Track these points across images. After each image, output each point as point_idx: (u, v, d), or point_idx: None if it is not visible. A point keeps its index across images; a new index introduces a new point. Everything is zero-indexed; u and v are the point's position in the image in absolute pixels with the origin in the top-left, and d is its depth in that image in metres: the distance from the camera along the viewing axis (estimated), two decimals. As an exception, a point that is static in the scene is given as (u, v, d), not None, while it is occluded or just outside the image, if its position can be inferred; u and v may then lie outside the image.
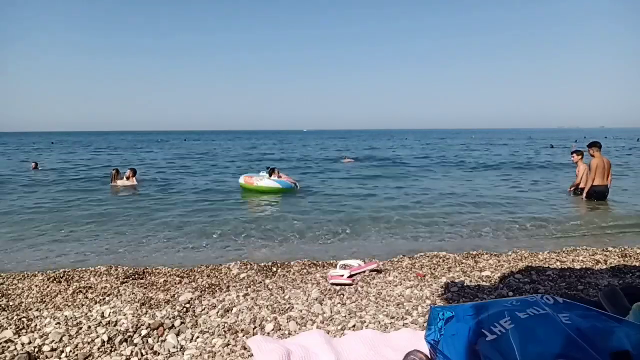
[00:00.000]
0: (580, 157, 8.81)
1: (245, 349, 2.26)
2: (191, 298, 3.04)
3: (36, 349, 2.24)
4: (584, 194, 8.10)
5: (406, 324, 2.58)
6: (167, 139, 63.31)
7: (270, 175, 10.17)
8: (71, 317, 2.64)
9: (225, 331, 2.48)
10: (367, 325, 2.56)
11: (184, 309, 2.82)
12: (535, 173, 14.52)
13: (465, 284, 3.28)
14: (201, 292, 3.21)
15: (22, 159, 22.60)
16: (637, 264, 3.87)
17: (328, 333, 2.47)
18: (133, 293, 3.23)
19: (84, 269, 4.12)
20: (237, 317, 2.69)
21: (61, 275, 3.86)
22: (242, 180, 10.40)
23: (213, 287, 3.33)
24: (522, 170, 15.43)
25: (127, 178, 11.07)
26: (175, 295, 3.13)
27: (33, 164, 17.01)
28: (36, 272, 4.05)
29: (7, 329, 2.47)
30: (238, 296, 3.09)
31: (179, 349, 2.30)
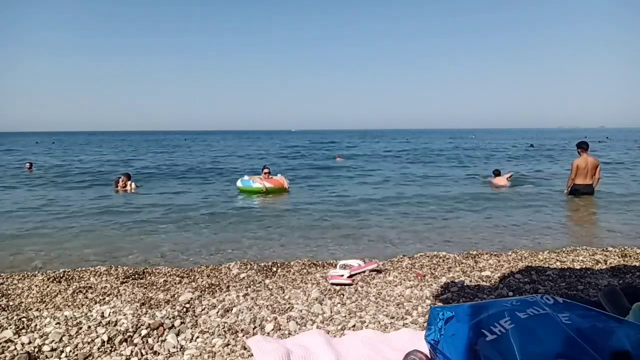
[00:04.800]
0: (496, 175, 11.08)
1: (245, 349, 2.26)
2: (191, 298, 3.04)
3: (36, 349, 2.24)
4: (566, 190, 8.59)
5: (406, 324, 2.58)
6: (166, 139, 63.32)
7: (262, 174, 10.24)
8: (71, 317, 2.64)
9: (225, 331, 2.48)
10: (367, 325, 2.56)
11: (184, 309, 2.82)
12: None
13: (465, 284, 3.28)
14: (201, 292, 3.21)
15: (18, 159, 22.53)
16: (637, 264, 3.87)
17: (328, 333, 2.47)
18: (133, 293, 3.23)
19: (84, 269, 4.12)
20: (237, 317, 2.69)
21: (61, 275, 3.86)
22: (238, 183, 10.47)
23: (213, 287, 3.33)
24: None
25: (125, 183, 10.87)
26: (175, 295, 3.13)
27: (28, 164, 16.78)
28: (36, 272, 4.05)
29: (7, 329, 2.47)
30: (238, 296, 3.09)
31: (179, 349, 2.30)
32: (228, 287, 3.35)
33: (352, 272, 3.55)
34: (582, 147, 8.16)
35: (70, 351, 2.24)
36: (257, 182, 10.01)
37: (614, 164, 17.01)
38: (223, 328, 2.52)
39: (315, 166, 18.45)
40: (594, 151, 21.43)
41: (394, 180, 12.94)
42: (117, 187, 10.80)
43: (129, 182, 10.87)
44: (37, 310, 2.92)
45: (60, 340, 2.34)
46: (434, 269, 3.76)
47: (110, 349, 2.28)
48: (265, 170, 10.35)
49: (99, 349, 2.26)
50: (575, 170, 8.14)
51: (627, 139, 47.49)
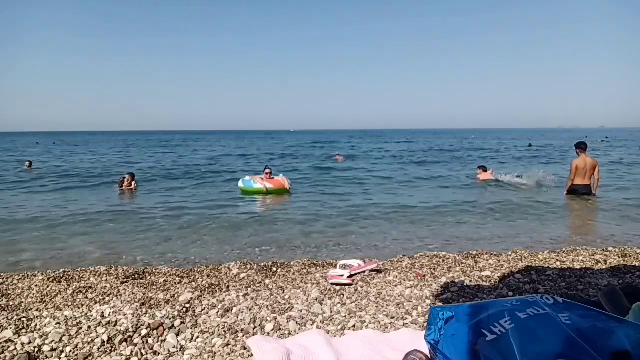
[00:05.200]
0: (482, 170, 12.24)
1: (245, 349, 2.26)
2: (191, 298, 3.04)
3: (36, 349, 2.24)
4: (565, 191, 8.61)
5: (406, 324, 2.58)
6: (166, 139, 63.29)
7: (263, 175, 10.21)
8: (71, 317, 2.64)
9: (225, 331, 2.48)
10: (367, 325, 2.56)
11: (184, 309, 2.82)
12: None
13: (465, 284, 3.28)
14: (201, 292, 3.21)
15: (17, 159, 22.50)
16: (637, 264, 3.87)
17: (328, 333, 2.47)
18: (133, 293, 3.23)
19: (84, 269, 4.12)
20: (237, 317, 2.69)
21: (61, 275, 3.86)
22: (239, 183, 10.46)
23: (213, 287, 3.33)
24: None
25: (129, 183, 10.96)
26: (175, 295, 3.13)
27: (27, 163, 16.76)
28: (36, 272, 4.05)
29: (7, 329, 2.47)
30: (238, 296, 3.09)
31: (179, 349, 2.30)
32: (228, 287, 3.35)
33: (352, 272, 3.55)
34: (581, 147, 8.22)
35: (70, 351, 2.24)
36: (258, 183, 10.00)
37: (615, 164, 17.03)
38: (223, 328, 2.52)
39: (314, 166, 18.45)
40: (595, 151, 21.48)
41: (393, 180, 12.94)
42: (122, 186, 10.82)
43: (133, 182, 10.96)
44: (37, 310, 2.92)
45: (60, 340, 2.34)
46: (434, 269, 3.76)
47: (110, 349, 2.28)
48: (267, 171, 10.33)
49: (99, 349, 2.26)
50: (574, 170, 8.25)
51: (628, 139, 47.49)
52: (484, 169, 12.30)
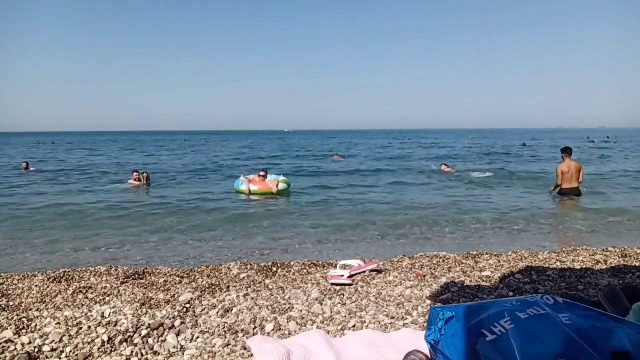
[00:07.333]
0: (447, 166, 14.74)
1: (245, 349, 2.26)
2: (191, 298, 3.04)
3: (36, 349, 2.24)
4: (552, 190, 8.91)
5: (406, 324, 2.58)
6: (166, 139, 63.26)
7: (257, 176, 10.19)
8: (71, 317, 2.64)
9: (225, 331, 2.48)
10: (367, 325, 2.56)
11: (184, 309, 2.82)
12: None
13: (465, 284, 3.28)
14: (201, 292, 3.21)
15: (15, 159, 22.44)
16: (637, 264, 3.87)
17: (328, 333, 2.47)
18: (133, 293, 3.23)
19: (84, 269, 4.11)
20: (237, 317, 2.69)
21: (61, 275, 3.86)
22: (234, 183, 10.46)
23: (213, 287, 3.33)
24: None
25: (143, 179, 11.78)
26: (175, 295, 3.12)
27: (24, 164, 16.68)
28: (36, 272, 4.05)
29: (7, 329, 2.47)
30: (238, 296, 3.09)
31: (179, 349, 2.30)
32: (228, 287, 3.35)
33: (352, 272, 3.55)
34: (567, 152, 8.50)
35: (70, 351, 2.24)
36: (244, 185, 9.91)
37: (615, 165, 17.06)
38: (223, 328, 2.52)
39: (312, 166, 18.45)
40: (584, 154, 21.74)
41: (392, 180, 12.94)
42: (137, 180, 11.62)
43: (147, 180, 11.84)
44: (37, 310, 2.92)
45: (60, 340, 2.34)
46: (434, 269, 3.76)
47: (110, 349, 2.28)
48: (261, 173, 10.19)
49: (99, 349, 2.26)
50: (560, 175, 8.50)
51: (629, 139, 47.45)
52: (446, 165, 15.38)
